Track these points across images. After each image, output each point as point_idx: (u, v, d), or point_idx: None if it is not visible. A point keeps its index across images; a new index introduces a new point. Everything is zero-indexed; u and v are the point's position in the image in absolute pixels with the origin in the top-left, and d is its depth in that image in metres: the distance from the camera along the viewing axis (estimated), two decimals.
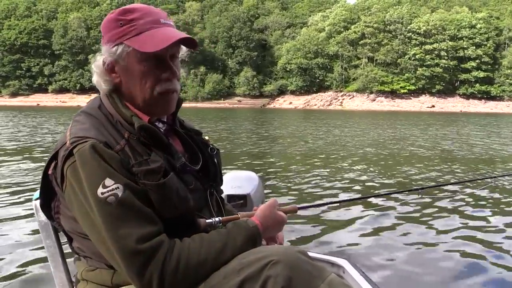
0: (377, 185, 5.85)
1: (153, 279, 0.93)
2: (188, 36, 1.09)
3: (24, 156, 8.45)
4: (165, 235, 0.99)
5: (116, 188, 0.96)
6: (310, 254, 1.16)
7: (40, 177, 1.07)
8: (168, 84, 1.10)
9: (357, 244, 3.38)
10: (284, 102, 74.45)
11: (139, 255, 0.94)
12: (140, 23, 1.06)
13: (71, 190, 0.99)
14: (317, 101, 72.86)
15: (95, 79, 1.12)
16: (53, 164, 1.04)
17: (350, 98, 72.69)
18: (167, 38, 1.05)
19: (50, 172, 1.05)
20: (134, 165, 1.01)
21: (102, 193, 0.95)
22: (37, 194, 1.20)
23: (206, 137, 1.33)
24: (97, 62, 1.11)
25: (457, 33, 72.62)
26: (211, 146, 1.28)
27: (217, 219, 1.13)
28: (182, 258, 0.97)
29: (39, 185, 1.07)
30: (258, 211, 1.15)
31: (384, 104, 69.42)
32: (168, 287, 0.94)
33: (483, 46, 71.42)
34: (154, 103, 1.10)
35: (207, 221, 1.12)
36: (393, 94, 71.93)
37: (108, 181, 0.96)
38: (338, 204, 4.44)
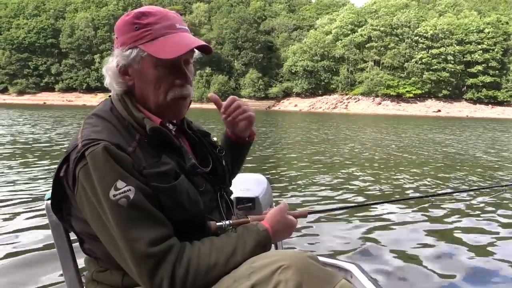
0: (385, 190, 5.77)
1: (163, 282, 0.93)
2: (205, 43, 1.09)
3: (36, 155, 8.45)
4: (175, 238, 0.99)
5: (128, 190, 0.95)
6: (319, 258, 1.14)
7: (52, 177, 1.07)
8: (181, 90, 1.10)
9: (364, 249, 3.32)
10: (290, 105, 74.42)
11: (150, 258, 0.94)
12: (155, 27, 1.05)
13: (83, 192, 0.99)
14: (322, 104, 72.75)
15: (108, 81, 1.12)
16: (64, 167, 1.03)
17: (356, 102, 72.50)
18: (183, 45, 1.05)
19: (61, 174, 1.04)
20: (145, 167, 1.01)
21: (114, 195, 0.95)
22: (48, 194, 1.20)
23: (214, 138, 1.32)
24: (110, 64, 1.10)
25: (465, 38, 72.25)
26: (219, 147, 1.28)
27: (227, 222, 1.12)
28: (192, 262, 0.97)
29: (50, 185, 1.07)
30: (269, 215, 1.14)
31: (390, 108, 69.16)
32: None
33: (490, 51, 70.99)
34: (166, 108, 1.10)
35: (218, 224, 1.11)
36: (399, 98, 71.68)
37: (120, 183, 0.95)
38: (347, 210, 4.43)
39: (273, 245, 1.49)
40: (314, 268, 0.97)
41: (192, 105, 1.22)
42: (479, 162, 9.22)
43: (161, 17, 1.07)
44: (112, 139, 1.00)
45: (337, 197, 5.17)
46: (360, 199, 5.15)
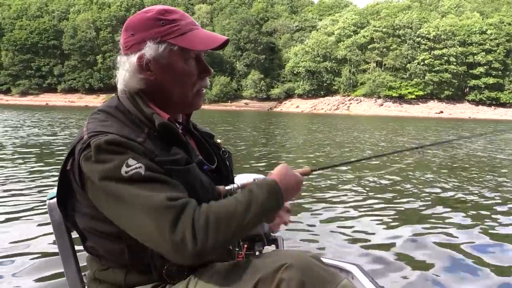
0: (387, 191, 5.76)
1: (185, 233, 0.91)
2: (228, 38, 1.17)
3: (40, 155, 8.47)
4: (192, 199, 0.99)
5: (139, 167, 0.96)
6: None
7: (53, 176, 1.12)
8: (205, 81, 1.18)
9: (366, 250, 3.31)
10: (291, 106, 74.39)
11: (170, 209, 0.92)
12: (182, 23, 1.10)
13: (90, 181, 0.99)
14: (324, 105, 72.68)
15: (124, 77, 1.12)
16: (70, 160, 1.04)
17: (358, 103, 72.39)
18: (214, 38, 1.12)
19: (68, 168, 1.04)
20: (157, 155, 1.02)
21: (126, 172, 0.95)
22: (51, 194, 1.22)
23: (218, 140, 1.35)
24: (131, 59, 1.10)
25: (467, 39, 72.06)
26: (223, 149, 1.31)
27: (235, 185, 1.15)
28: (211, 212, 0.95)
29: (52, 185, 1.15)
30: (274, 171, 1.14)
31: (392, 109, 69.02)
32: (201, 241, 0.91)
33: (493, 52, 70.78)
34: (191, 99, 1.15)
35: (226, 187, 1.14)
36: (401, 99, 71.51)
37: (131, 161, 0.96)
38: (348, 208, 4.43)
39: (274, 246, 1.48)
40: (317, 268, 0.98)
41: None
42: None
43: (183, 15, 1.13)
44: (121, 131, 1.01)
45: (338, 194, 5.16)
46: (362, 204, 5.13)
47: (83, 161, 0.98)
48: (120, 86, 1.14)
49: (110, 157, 0.96)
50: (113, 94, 1.18)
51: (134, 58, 1.09)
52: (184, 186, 1.02)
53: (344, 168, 7.73)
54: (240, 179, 1.34)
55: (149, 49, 1.08)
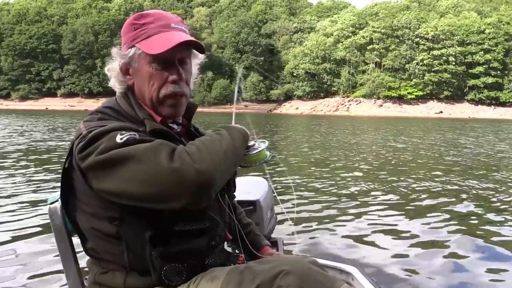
0: (390, 198, 5.76)
1: (183, 158, 0.93)
2: (192, 39, 1.12)
3: (40, 159, 8.47)
4: None
5: (133, 134, 0.99)
6: (320, 261, 1.18)
7: (53, 181, 1.13)
8: (174, 87, 1.13)
9: (366, 251, 3.31)
10: (291, 108, 74.43)
11: (164, 146, 0.96)
12: (150, 27, 1.12)
13: (90, 169, 0.99)
14: (324, 106, 72.75)
15: (112, 81, 1.18)
16: (70, 158, 1.07)
17: (357, 104, 72.47)
18: (171, 41, 1.09)
19: (66, 166, 1.07)
20: None
21: (121, 139, 0.97)
22: (51, 198, 1.23)
23: None
24: (114, 64, 1.17)
25: (466, 39, 72.20)
26: None
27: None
28: (197, 142, 1.02)
29: (53, 190, 1.15)
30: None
31: (391, 110, 69.09)
32: (199, 160, 0.94)
33: (492, 52, 70.89)
34: (159, 104, 1.14)
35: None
36: (400, 99, 71.60)
37: (124, 131, 1.00)
38: (346, 209, 4.42)
39: (275, 250, 1.49)
40: (315, 274, 0.98)
41: None
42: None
43: (158, 18, 1.13)
44: (118, 126, 1.04)
45: (339, 201, 5.16)
46: (361, 205, 5.14)
47: (81, 150, 1.00)
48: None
49: (105, 135, 0.99)
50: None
51: (116, 62, 1.16)
52: None
53: (343, 169, 7.73)
54: (239, 184, 1.35)
55: (119, 55, 1.14)
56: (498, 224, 4.14)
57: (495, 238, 3.68)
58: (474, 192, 5.76)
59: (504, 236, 3.77)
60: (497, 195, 5.56)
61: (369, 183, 6.33)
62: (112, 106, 1.15)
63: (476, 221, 4.27)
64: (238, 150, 1.08)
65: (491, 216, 4.45)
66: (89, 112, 1.15)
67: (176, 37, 1.11)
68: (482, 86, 70.73)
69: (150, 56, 1.10)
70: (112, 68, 1.17)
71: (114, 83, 1.18)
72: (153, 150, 0.94)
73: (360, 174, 7.24)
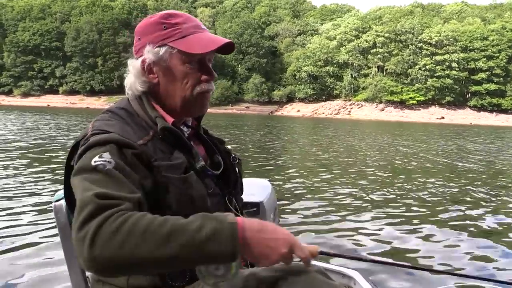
0: (397, 207, 5.72)
1: (86, 236, 0.78)
2: (231, 41, 1.16)
3: (46, 157, 8.44)
4: (132, 205, 0.87)
5: (108, 162, 0.93)
6: (323, 265, 1.19)
7: (58, 178, 1.09)
8: (207, 85, 1.16)
9: (368, 256, 3.27)
10: (292, 110, 74.44)
11: (90, 205, 0.82)
12: (184, 27, 1.12)
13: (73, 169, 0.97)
14: (325, 109, 72.74)
15: (130, 80, 1.16)
16: (74, 155, 1.06)
17: (359, 107, 72.46)
18: (212, 42, 1.12)
19: (72, 163, 1.05)
20: (156, 159, 1.03)
21: (95, 161, 0.93)
22: (57, 195, 1.24)
23: (229, 147, 1.34)
24: (135, 63, 1.15)
25: (469, 45, 72.19)
26: (233, 155, 1.30)
27: None
28: (133, 220, 0.80)
29: (58, 187, 1.12)
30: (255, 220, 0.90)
31: (393, 114, 69.06)
32: (99, 247, 0.78)
33: (495, 58, 70.88)
34: (192, 102, 1.15)
35: None
36: (402, 104, 71.59)
37: (106, 155, 0.94)
38: (345, 215, 4.39)
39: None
40: (321, 284, 0.98)
41: None
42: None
43: (187, 18, 1.15)
44: (123, 132, 1.03)
45: (340, 204, 5.12)
46: (366, 209, 5.10)
47: (79, 155, 1.00)
48: (127, 89, 1.17)
49: (95, 148, 0.96)
50: (114, 97, 1.18)
51: (138, 61, 1.14)
52: (179, 192, 1.03)
53: (348, 172, 7.70)
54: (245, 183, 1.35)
55: (151, 53, 1.12)
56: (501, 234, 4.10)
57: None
58: (485, 199, 5.71)
59: None
60: None
61: (374, 187, 6.30)
62: (124, 107, 1.14)
63: (482, 224, 4.24)
64: (201, 253, 0.80)
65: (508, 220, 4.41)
66: (103, 110, 1.16)
67: (215, 38, 1.13)
68: (484, 92, 70.71)
69: (187, 56, 1.11)
70: (134, 67, 1.15)
71: (134, 83, 1.15)
72: (81, 205, 0.84)
73: (365, 178, 7.20)
